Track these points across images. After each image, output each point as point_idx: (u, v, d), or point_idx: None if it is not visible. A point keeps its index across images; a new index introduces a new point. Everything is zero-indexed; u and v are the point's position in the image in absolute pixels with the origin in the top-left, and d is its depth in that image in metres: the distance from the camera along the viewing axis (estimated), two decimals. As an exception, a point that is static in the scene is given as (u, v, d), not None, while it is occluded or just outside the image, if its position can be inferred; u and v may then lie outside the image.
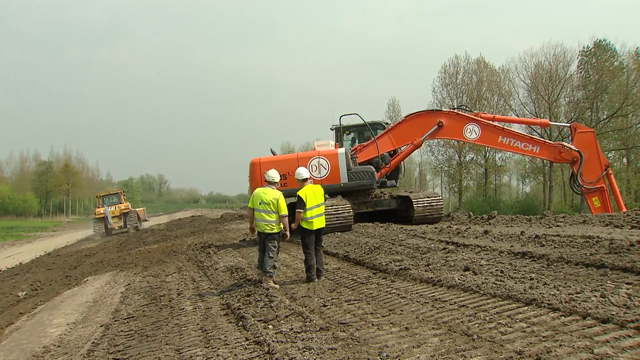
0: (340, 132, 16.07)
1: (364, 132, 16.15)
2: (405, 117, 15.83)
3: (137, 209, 37.23)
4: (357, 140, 16.39)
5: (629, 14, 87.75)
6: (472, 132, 14.59)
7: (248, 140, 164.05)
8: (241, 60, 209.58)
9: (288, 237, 7.51)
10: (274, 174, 7.64)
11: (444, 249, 8.61)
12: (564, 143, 15.15)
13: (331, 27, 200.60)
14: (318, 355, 4.06)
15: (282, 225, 7.39)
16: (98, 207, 34.06)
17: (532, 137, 15.68)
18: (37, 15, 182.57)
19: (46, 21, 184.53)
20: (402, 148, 15.54)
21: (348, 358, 3.95)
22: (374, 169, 13.84)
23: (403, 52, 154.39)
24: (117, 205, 33.84)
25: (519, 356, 3.55)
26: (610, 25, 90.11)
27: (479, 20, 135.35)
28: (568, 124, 16.55)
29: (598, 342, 3.61)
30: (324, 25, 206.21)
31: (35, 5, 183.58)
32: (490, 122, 15.11)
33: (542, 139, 16.12)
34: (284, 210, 7.35)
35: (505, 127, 15.55)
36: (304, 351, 4.16)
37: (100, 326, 6.91)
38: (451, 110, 15.94)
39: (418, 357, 3.82)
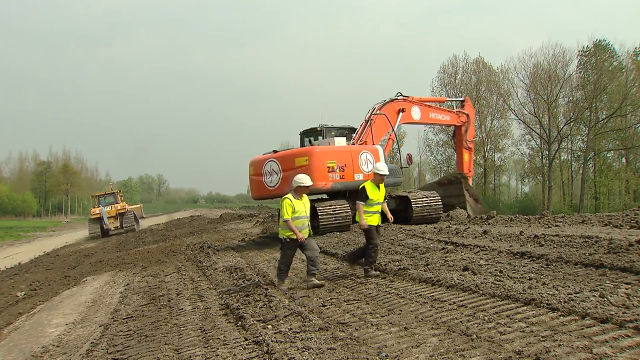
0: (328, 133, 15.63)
1: (313, 137, 15.40)
2: (376, 109, 15.54)
3: (132, 206, 35.97)
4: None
5: (628, 13, 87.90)
6: (416, 113, 16.50)
7: (247, 140, 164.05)
8: (240, 60, 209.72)
9: (300, 239, 6.95)
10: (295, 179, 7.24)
11: (443, 248, 8.61)
12: (460, 109, 18.53)
13: (331, 26, 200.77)
14: (317, 355, 4.06)
15: (290, 232, 7.03)
16: (94, 208, 32.98)
17: (445, 109, 18.31)
18: (36, 14, 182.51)
19: (45, 20, 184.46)
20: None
21: (347, 358, 3.95)
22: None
23: (402, 52, 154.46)
24: (113, 205, 32.78)
25: (518, 356, 3.55)
26: (610, 25, 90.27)
27: (478, 20, 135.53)
28: (461, 98, 19.83)
29: (597, 342, 3.61)
30: (324, 24, 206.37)
31: (34, 4, 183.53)
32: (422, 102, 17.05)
33: (449, 109, 18.61)
34: (282, 215, 7.03)
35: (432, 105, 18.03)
36: (303, 351, 4.16)
37: (99, 326, 6.90)
38: (397, 97, 16.18)
39: (417, 357, 3.82)
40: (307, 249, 7.11)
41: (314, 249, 7.18)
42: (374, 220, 7.41)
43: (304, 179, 7.14)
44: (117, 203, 33.29)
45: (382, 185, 7.53)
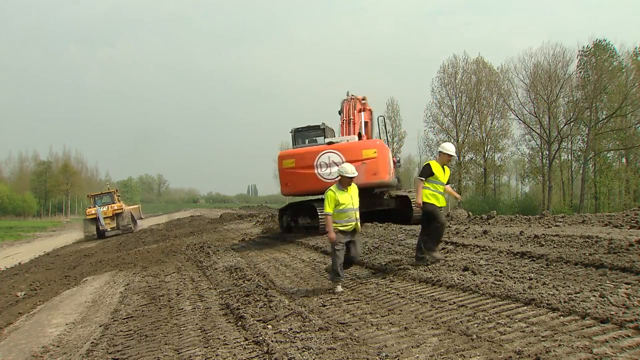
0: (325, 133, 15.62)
1: (311, 136, 15.28)
2: (350, 107, 15.47)
3: (130, 207, 34.55)
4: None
5: (628, 13, 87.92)
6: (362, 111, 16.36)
7: (247, 141, 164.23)
8: (241, 59, 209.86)
9: (331, 239, 6.61)
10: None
11: (443, 248, 8.60)
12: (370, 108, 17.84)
13: (331, 26, 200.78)
14: (317, 355, 4.06)
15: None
16: (89, 208, 31.41)
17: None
18: (36, 14, 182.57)
19: (45, 20, 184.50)
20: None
21: (347, 358, 3.95)
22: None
23: (402, 52, 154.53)
24: (109, 206, 31.22)
25: (518, 356, 3.55)
26: (610, 25, 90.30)
27: (478, 20, 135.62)
28: (362, 96, 18.26)
29: (597, 342, 3.60)
30: (324, 24, 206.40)
31: (34, 3, 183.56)
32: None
33: (369, 108, 17.87)
34: (324, 209, 6.61)
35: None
36: (303, 351, 4.16)
37: (100, 326, 6.90)
38: (352, 97, 16.07)
39: (417, 357, 3.82)
40: (351, 250, 6.68)
41: (357, 251, 6.80)
42: (439, 200, 7.21)
43: (347, 169, 6.58)
44: (114, 203, 31.86)
45: (447, 168, 7.33)
